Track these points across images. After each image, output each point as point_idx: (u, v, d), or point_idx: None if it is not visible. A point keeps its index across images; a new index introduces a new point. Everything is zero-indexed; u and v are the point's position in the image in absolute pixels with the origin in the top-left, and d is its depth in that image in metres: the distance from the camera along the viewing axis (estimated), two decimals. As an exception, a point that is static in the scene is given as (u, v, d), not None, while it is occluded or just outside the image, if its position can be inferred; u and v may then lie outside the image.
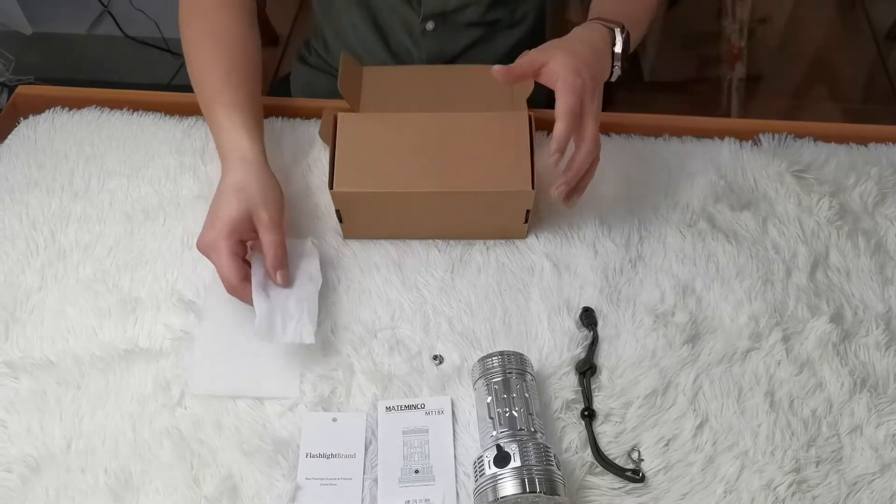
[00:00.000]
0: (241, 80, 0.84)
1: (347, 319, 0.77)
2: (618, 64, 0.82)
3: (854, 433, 0.70)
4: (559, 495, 0.61)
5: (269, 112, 0.95)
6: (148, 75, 2.12)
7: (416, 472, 0.67)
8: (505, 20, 1.03)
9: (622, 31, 0.80)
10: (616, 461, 0.68)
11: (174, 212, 0.86)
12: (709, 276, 0.80)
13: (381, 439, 0.69)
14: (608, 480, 0.67)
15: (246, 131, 0.80)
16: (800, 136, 0.93)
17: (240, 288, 0.73)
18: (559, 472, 0.62)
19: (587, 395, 0.71)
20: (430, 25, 0.98)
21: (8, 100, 0.98)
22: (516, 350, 0.71)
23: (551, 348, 0.75)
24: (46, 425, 0.70)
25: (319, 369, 0.73)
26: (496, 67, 0.73)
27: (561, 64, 0.73)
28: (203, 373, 0.73)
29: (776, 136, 0.92)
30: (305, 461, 0.68)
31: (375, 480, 0.67)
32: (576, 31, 0.81)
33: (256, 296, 0.73)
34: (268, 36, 1.57)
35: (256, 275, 0.74)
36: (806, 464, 0.68)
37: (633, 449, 0.69)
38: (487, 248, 0.82)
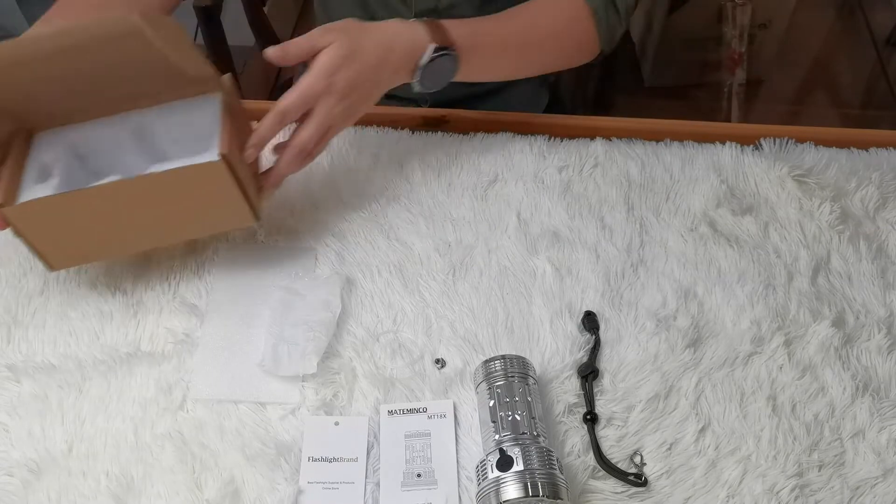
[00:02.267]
0: None
1: (349, 323, 0.77)
2: (418, 76, 0.77)
3: (856, 437, 0.70)
4: (562, 499, 0.61)
5: (272, 116, 0.95)
6: (149, 80, 2.13)
7: (419, 475, 0.67)
8: None
9: (437, 51, 0.76)
10: (618, 465, 0.68)
11: (176, 215, 0.86)
12: (710, 280, 0.80)
13: (384, 443, 0.69)
14: (611, 484, 0.67)
15: None
16: (801, 140, 0.93)
17: None
18: (562, 476, 0.62)
19: (589, 399, 0.71)
20: None
21: (10, 103, 0.98)
22: (519, 354, 0.71)
23: (553, 352, 0.75)
24: (48, 429, 0.70)
25: (321, 373, 0.73)
26: (270, 50, 0.70)
27: (325, 56, 0.70)
28: (205, 376, 0.73)
29: (777, 140, 0.92)
30: (307, 465, 0.68)
31: (378, 484, 0.67)
32: (393, 22, 0.77)
33: (265, 330, 0.74)
34: (269, 38, 1.58)
35: (270, 307, 0.75)
36: (808, 468, 0.68)
37: (635, 453, 0.69)
38: (489, 252, 0.83)
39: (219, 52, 1.29)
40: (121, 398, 0.72)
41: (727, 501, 0.66)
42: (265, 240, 0.84)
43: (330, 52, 0.70)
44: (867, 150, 0.93)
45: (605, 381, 0.73)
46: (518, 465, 0.62)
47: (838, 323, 0.77)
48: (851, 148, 0.93)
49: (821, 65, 1.87)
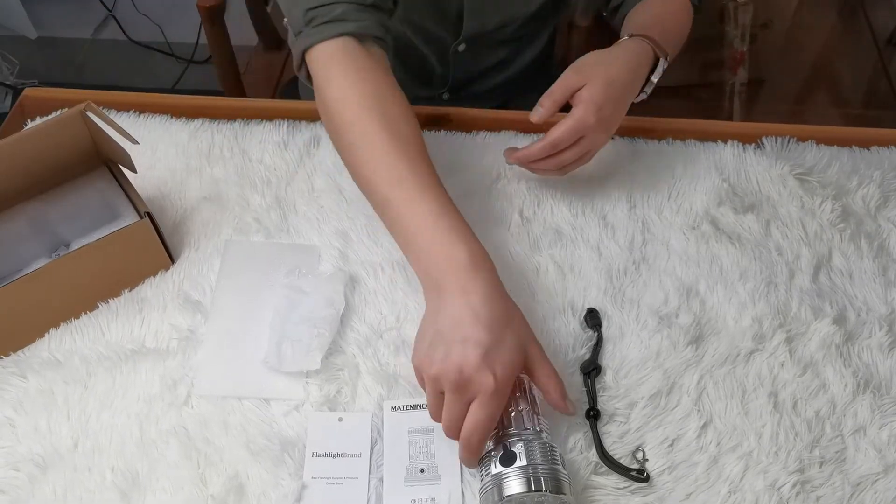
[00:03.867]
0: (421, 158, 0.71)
1: (353, 320, 0.77)
2: (648, 90, 0.84)
3: (857, 434, 0.70)
4: (564, 494, 0.61)
5: (275, 115, 0.96)
6: (152, 80, 2.13)
7: (422, 471, 0.67)
8: (528, 37, 1.03)
9: (665, 61, 0.82)
10: (621, 461, 0.68)
11: (180, 213, 0.86)
12: (712, 278, 0.81)
13: (387, 439, 0.69)
14: (613, 480, 0.67)
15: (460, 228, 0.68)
16: (802, 139, 0.93)
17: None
18: (564, 472, 0.63)
19: (592, 396, 0.72)
20: (461, 47, 0.98)
21: (13, 102, 0.99)
22: None
23: (556, 349, 0.75)
24: (54, 424, 0.70)
25: (325, 370, 0.74)
26: (535, 115, 0.78)
27: (589, 94, 0.76)
28: (209, 373, 0.74)
29: (779, 139, 0.93)
30: (311, 460, 0.68)
31: (381, 479, 0.67)
32: (624, 45, 0.83)
33: (269, 327, 0.75)
34: (272, 40, 1.58)
35: (274, 304, 0.76)
36: (810, 464, 0.68)
37: (637, 449, 0.69)
38: (492, 249, 0.82)
39: (222, 52, 1.30)
40: (126, 394, 0.72)
41: (728, 497, 0.67)
42: (269, 238, 0.84)
43: (593, 88, 0.76)
44: (868, 149, 0.93)
45: (607, 378, 0.74)
46: (521, 461, 0.62)
47: (839, 320, 0.77)
48: (853, 147, 0.93)
49: (822, 64, 1.87)
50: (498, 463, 0.63)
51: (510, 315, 0.65)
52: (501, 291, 0.66)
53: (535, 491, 0.60)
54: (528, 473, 0.61)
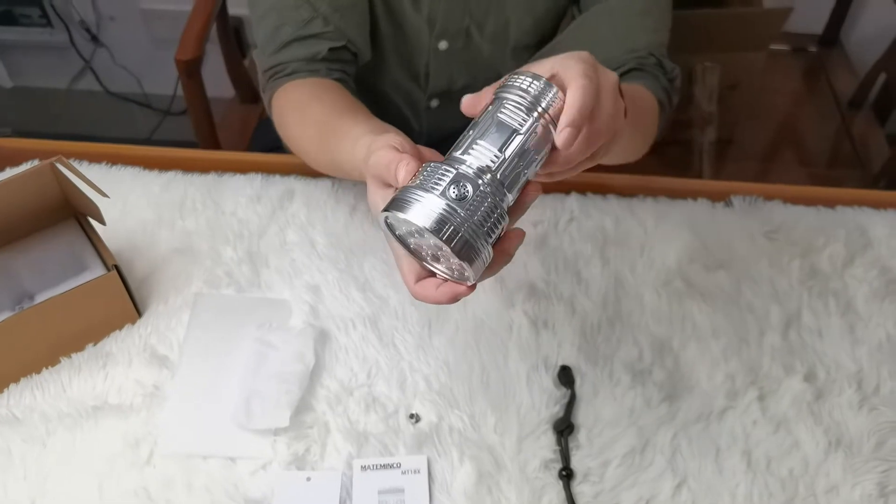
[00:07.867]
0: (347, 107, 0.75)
1: (323, 376, 0.76)
2: None
3: (831, 493, 0.70)
4: (468, 266, 0.47)
5: (249, 168, 0.96)
6: (128, 130, 2.13)
7: (392, 533, 0.66)
8: None
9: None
10: (595, 522, 0.67)
11: (150, 266, 0.85)
12: (685, 334, 0.81)
13: (356, 499, 0.67)
14: (587, 542, 0.66)
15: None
16: (769, 198, 0.95)
17: None
18: (488, 249, 0.48)
19: (565, 455, 0.71)
20: (434, 103, 1.00)
21: (-14, 151, 0.98)
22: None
23: (529, 407, 0.74)
24: (10, 485, 0.68)
25: (294, 427, 0.72)
26: (469, 97, 0.58)
27: (577, 63, 0.53)
28: (174, 430, 0.72)
29: (747, 198, 0.94)
30: (278, 522, 0.66)
31: (349, 543, 0.65)
32: None
33: (238, 383, 0.74)
34: (248, 92, 1.59)
35: (243, 359, 0.75)
36: (784, 525, 0.68)
37: (611, 510, 0.68)
38: (465, 305, 0.82)
39: (198, 105, 1.30)
40: (86, 453, 0.70)
41: (704, 559, 0.66)
42: (240, 291, 0.83)
43: (577, 61, 0.54)
44: (833, 208, 0.95)
45: (580, 437, 0.73)
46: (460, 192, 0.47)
47: (810, 378, 0.78)
48: (819, 206, 0.95)
49: (788, 125, 1.92)
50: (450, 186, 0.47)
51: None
52: None
53: (433, 233, 0.46)
54: (446, 213, 0.46)
